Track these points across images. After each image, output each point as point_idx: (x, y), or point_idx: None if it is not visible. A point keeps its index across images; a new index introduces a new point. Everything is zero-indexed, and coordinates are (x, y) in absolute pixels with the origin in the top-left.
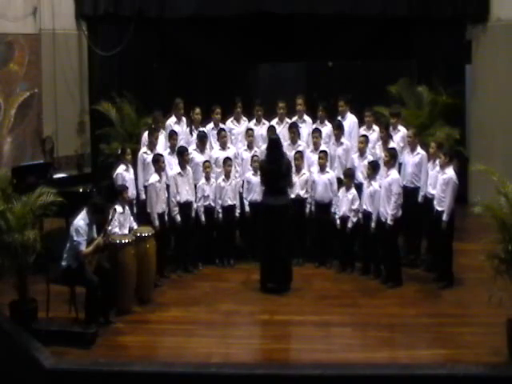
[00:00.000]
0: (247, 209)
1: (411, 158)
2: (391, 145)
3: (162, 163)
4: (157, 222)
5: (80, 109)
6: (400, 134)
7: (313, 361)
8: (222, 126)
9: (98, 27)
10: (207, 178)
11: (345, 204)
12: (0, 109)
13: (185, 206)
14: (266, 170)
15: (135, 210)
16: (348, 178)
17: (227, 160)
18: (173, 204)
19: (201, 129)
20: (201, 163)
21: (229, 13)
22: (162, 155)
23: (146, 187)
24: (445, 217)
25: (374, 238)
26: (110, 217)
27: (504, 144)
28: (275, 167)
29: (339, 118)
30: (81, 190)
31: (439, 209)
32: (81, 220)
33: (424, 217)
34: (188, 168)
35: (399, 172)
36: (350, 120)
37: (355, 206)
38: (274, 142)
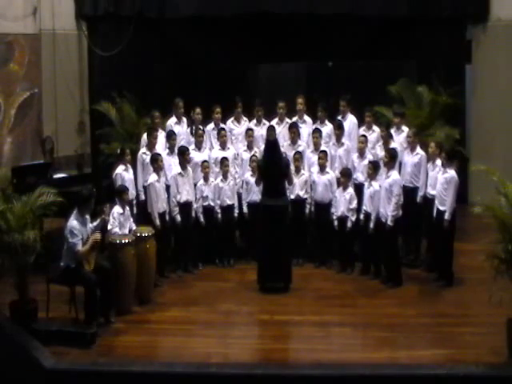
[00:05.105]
0: (245, 210)
1: (410, 158)
2: (392, 145)
3: (161, 162)
4: (158, 222)
5: (80, 109)
6: (403, 135)
7: (312, 361)
8: (222, 125)
9: (98, 27)
10: (205, 179)
11: (342, 204)
12: (0, 109)
13: (185, 206)
14: (265, 171)
15: (135, 210)
16: (345, 178)
17: (224, 160)
18: (173, 204)
19: (200, 127)
20: (199, 163)
21: (229, 13)
22: (159, 154)
23: (145, 188)
24: (447, 215)
25: (374, 238)
26: (106, 210)
27: (504, 144)
28: (274, 169)
29: (340, 117)
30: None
31: (441, 208)
32: (73, 220)
33: (424, 217)
34: (188, 168)
35: (399, 172)
36: (349, 121)
37: (353, 206)
38: (271, 144)
